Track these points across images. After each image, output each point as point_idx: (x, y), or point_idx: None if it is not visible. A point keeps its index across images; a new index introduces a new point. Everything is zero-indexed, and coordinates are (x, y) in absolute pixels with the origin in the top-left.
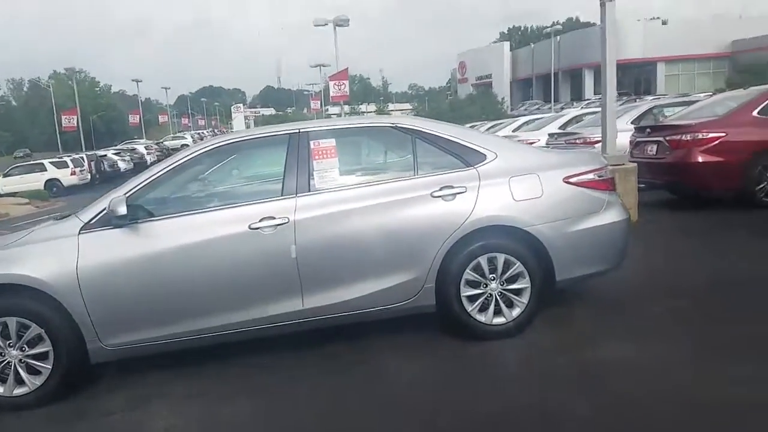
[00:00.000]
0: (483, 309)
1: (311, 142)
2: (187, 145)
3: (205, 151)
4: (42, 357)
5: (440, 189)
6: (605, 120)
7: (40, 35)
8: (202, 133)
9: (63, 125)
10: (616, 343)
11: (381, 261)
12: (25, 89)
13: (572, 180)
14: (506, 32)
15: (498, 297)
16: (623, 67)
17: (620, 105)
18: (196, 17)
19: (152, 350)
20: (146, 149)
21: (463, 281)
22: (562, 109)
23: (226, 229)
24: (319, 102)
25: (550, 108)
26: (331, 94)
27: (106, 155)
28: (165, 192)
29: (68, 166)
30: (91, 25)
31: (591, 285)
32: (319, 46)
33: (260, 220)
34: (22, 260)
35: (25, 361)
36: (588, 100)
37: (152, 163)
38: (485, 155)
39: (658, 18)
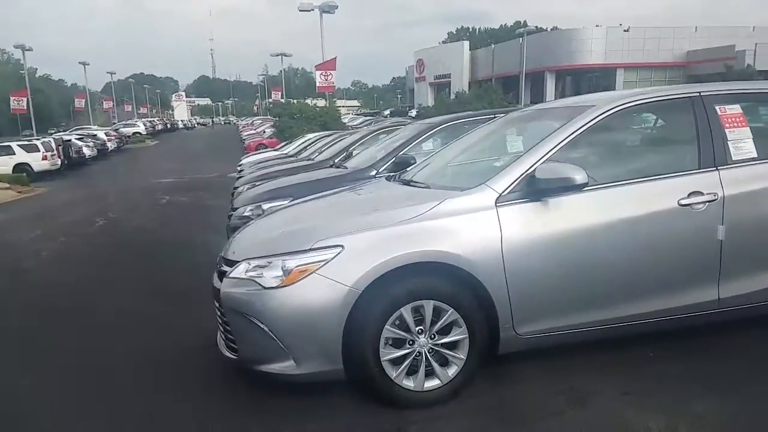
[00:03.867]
0: None
1: (717, 108)
2: (140, 133)
3: (610, 114)
4: (451, 346)
5: None
6: None
7: None
8: (153, 120)
9: (12, 107)
10: None
11: None
12: None
13: None
14: (455, 32)
15: None
16: (583, 72)
17: None
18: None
19: (560, 340)
20: (107, 135)
21: None
22: None
23: (653, 204)
24: (280, 93)
25: None
26: (318, 84)
27: (70, 140)
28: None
29: (39, 150)
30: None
31: None
32: (258, 34)
33: (688, 196)
34: (439, 236)
35: (434, 351)
36: None
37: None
38: None
39: (620, 25)
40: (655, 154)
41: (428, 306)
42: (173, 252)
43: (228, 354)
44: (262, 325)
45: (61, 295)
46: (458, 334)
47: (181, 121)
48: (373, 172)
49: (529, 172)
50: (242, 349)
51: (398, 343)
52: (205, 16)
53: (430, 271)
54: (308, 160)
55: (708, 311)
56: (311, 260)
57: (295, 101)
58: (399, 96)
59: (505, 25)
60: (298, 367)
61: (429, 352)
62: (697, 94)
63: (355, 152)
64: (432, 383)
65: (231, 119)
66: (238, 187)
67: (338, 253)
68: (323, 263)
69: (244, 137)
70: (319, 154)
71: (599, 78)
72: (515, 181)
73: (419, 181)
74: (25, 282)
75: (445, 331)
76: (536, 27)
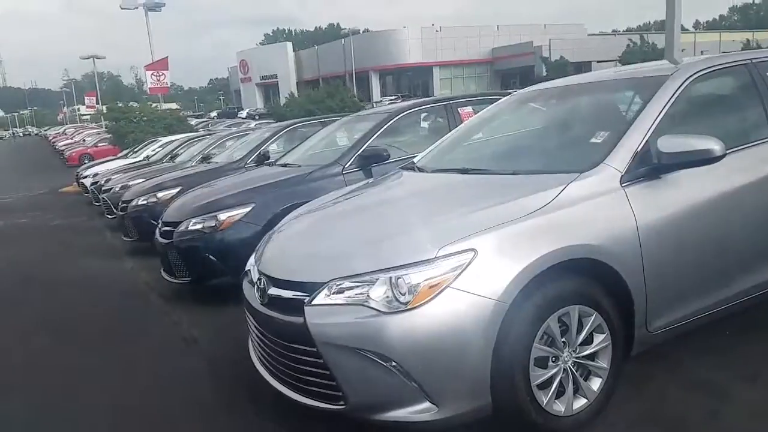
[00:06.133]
0: None
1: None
2: None
3: (690, 82)
4: (592, 356)
5: None
6: None
7: None
8: None
9: None
10: None
11: None
12: None
13: None
14: (272, 34)
15: None
16: (403, 71)
17: None
18: None
19: (684, 330)
20: None
21: None
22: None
23: (760, 170)
24: (94, 98)
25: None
26: (149, 85)
27: None
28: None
29: None
30: None
31: None
32: (52, 38)
33: None
34: (577, 227)
35: (577, 364)
36: None
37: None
38: None
39: (432, 25)
40: (736, 120)
41: (574, 312)
42: (59, 287)
43: (317, 404)
44: (385, 363)
45: None
46: (602, 341)
47: None
48: (338, 168)
49: (641, 147)
50: (353, 396)
51: (543, 363)
52: None
53: (573, 270)
54: (207, 162)
55: None
56: (441, 271)
57: (135, 104)
58: (222, 97)
59: (320, 27)
60: (439, 410)
61: (573, 367)
62: (750, 60)
63: (270, 152)
64: (579, 403)
65: (30, 130)
66: (131, 200)
67: (472, 260)
68: (458, 274)
69: (61, 148)
70: (207, 157)
71: (418, 76)
72: (631, 158)
73: (479, 168)
74: None
75: (587, 339)
76: (361, 30)
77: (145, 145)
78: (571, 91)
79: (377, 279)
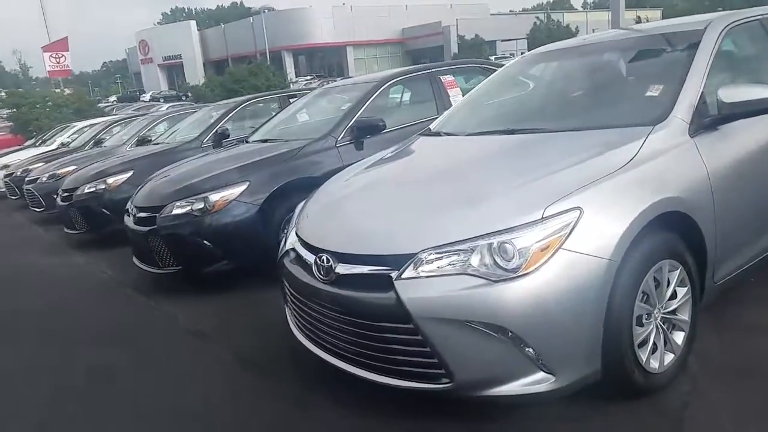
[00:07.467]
0: None
1: None
2: None
3: (725, 33)
4: (673, 310)
5: None
6: None
7: None
8: None
9: None
10: None
11: None
12: None
13: None
14: (170, 13)
15: None
16: (317, 51)
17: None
18: None
19: (737, 279)
20: None
21: None
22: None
23: None
24: None
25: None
26: (48, 68)
27: None
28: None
29: None
30: None
31: None
32: None
33: None
34: (664, 180)
35: (664, 319)
36: None
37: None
38: None
39: (344, 4)
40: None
41: (665, 267)
42: (18, 290)
43: (415, 385)
44: (499, 334)
45: None
46: (685, 295)
47: None
48: (332, 141)
49: (699, 99)
50: (459, 372)
51: (640, 321)
52: None
53: (664, 224)
54: (148, 144)
55: None
56: (550, 231)
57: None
58: (119, 81)
59: (222, 6)
60: (556, 380)
61: (661, 323)
62: (762, 16)
63: (229, 129)
64: (669, 358)
65: None
66: (75, 189)
67: (579, 218)
68: (567, 234)
69: None
70: (144, 139)
71: (331, 55)
72: (694, 109)
73: (528, 128)
74: None
75: (672, 294)
76: (267, 9)
77: (57, 132)
78: (597, 49)
79: (477, 246)
